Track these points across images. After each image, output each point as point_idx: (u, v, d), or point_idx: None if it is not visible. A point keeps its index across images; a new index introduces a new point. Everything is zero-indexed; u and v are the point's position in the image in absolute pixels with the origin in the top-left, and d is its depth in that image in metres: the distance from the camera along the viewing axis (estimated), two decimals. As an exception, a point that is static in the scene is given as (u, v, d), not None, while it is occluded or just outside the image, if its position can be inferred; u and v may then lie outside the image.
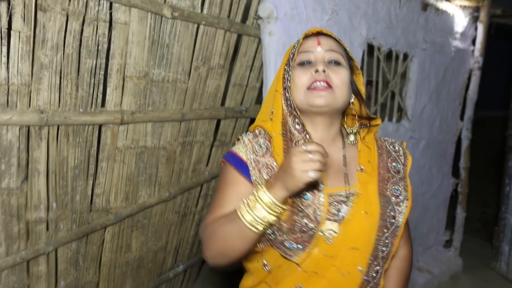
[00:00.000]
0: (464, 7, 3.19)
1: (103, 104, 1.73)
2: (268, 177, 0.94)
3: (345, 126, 1.10)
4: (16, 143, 1.51)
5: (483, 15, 3.22)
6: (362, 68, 2.51)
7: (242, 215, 0.85)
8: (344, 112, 1.08)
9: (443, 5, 3.00)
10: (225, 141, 2.35)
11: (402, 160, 1.05)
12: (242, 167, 0.98)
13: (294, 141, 0.98)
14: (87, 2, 1.51)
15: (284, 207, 0.86)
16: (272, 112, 1.03)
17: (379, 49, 2.61)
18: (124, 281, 2.21)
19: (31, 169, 1.59)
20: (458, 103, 3.47)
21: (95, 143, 1.76)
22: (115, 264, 2.10)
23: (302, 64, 1.00)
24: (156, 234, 2.26)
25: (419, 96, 3.01)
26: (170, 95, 1.94)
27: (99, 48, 1.61)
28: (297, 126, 1.00)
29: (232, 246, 0.89)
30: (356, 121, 1.08)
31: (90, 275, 2.00)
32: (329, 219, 0.93)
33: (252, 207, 0.85)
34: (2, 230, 1.57)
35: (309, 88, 0.96)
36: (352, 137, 1.07)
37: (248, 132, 1.07)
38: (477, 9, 3.25)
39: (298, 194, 0.93)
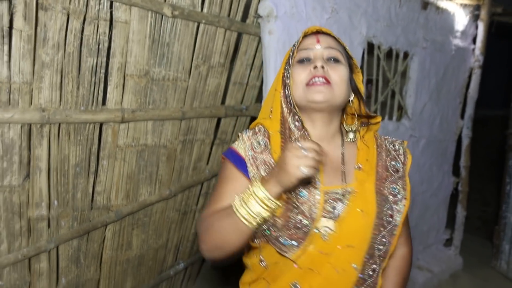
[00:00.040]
0: (464, 6, 3.19)
1: (104, 102, 1.74)
2: (266, 173, 0.95)
3: (345, 124, 1.11)
4: (18, 141, 1.52)
5: (483, 13, 3.22)
6: (362, 66, 2.52)
7: (237, 209, 0.87)
8: (344, 110, 1.09)
9: (443, 4, 3.00)
10: (225, 140, 2.36)
11: (402, 159, 1.05)
12: (241, 164, 0.99)
13: (293, 139, 0.99)
14: (87, 1, 1.52)
15: (278, 202, 0.87)
16: (271, 111, 1.05)
17: (379, 47, 2.61)
18: (125, 279, 2.23)
19: (33, 167, 1.60)
20: (458, 102, 3.47)
21: (96, 141, 1.77)
22: (115, 261, 2.12)
23: (301, 61, 1.01)
24: (156, 232, 2.27)
25: (419, 94, 3.01)
26: (171, 94, 1.95)
27: (100, 46, 1.62)
28: (296, 123, 1.01)
29: (227, 240, 0.90)
30: (356, 120, 1.08)
31: (91, 273, 2.01)
32: (324, 217, 0.94)
33: (247, 201, 0.86)
34: (4, 228, 1.58)
35: (307, 84, 0.97)
36: (351, 135, 1.07)
37: (248, 129, 1.08)
38: (477, 8, 3.24)
39: (294, 191, 0.94)
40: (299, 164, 0.81)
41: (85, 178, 1.79)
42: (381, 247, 0.98)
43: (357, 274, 0.96)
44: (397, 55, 2.80)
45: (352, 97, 1.05)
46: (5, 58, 1.40)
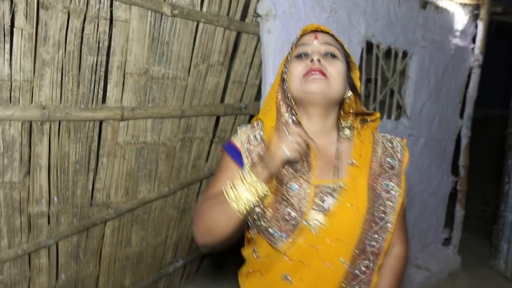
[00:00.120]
0: (464, 5, 3.19)
1: (103, 100, 1.76)
2: None
3: (342, 120, 1.12)
4: (19, 138, 1.54)
5: (483, 13, 3.22)
6: (361, 65, 2.53)
7: (226, 193, 0.90)
8: (341, 108, 1.10)
9: (443, 3, 3.01)
10: (224, 138, 2.38)
11: (399, 156, 1.06)
12: (237, 155, 1.02)
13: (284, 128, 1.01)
14: (88, 0, 1.54)
15: (265, 187, 0.90)
16: (269, 108, 1.07)
17: (378, 47, 2.62)
18: (124, 275, 2.25)
19: (33, 163, 1.62)
20: (457, 101, 3.48)
21: (95, 138, 1.79)
22: (115, 258, 2.14)
23: (299, 56, 1.03)
24: (155, 229, 2.29)
25: (418, 94, 3.02)
26: (170, 92, 1.96)
27: (100, 45, 1.64)
28: (293, 118, 1.03)
29: (217, 225, 0.93)
30: (351, 116, 1.10)
31: (90, 269, 2.04)
32: (314, 209, 0.96)
33: (236, 185, 0.90)
34: (4, 223, 1.60)
35: (304, 76, 0.99)
36: (346, 131, 1.08)
37: (247, 124, 1.11)
38: (477, 7, 3.25)
39: (284, 184, 0.96)
40: (282, 147, 0.86)
41: (85, 175, 1.82)
42: (373, 243, 0.98)
43: (345, 268, 0.97)
44: (396, 54, 2.81)
45: (349, 93, 1.06)
46: (6, 56, 1.42)
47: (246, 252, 1.10)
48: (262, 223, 0.97)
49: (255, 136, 1.05)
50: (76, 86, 1.63)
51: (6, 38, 1.40)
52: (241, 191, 0.89)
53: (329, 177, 1.00)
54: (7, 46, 1.42)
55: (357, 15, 2.38)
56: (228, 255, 3.31)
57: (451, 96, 3.38)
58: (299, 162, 0.99)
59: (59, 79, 1.57)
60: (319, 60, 0.99)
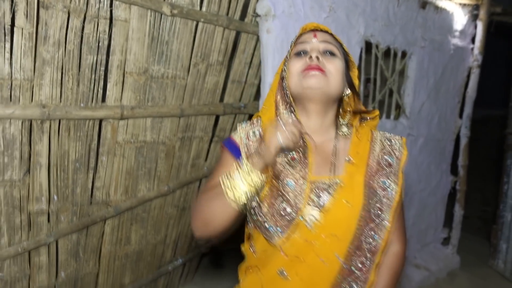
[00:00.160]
0: (463, 5, 3.20)
1: (103, 99, 1.77)
2: None
3: (340, 118, 1.13)
4: (19, 137, 1.55)
5: (482, 13, 3.23)
6: (360, 65, 2.53)
7: (222, 183, 0.92)
8: (340, 106, 1.11)
9: (442, 3, 3.01)
10: (224, 137, 2.39)
11: (397, 154, 1.06)
12: (236, 151, 1.04)
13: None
14: (87, -1, 1.56)
15: (257, 175, 0.91)
16: (268, 107, 1.09)
17: (377, 46, 2.63)
18: (123, 273, 2.26)
19: (33, 162, 1.63)
20: (457, 101, 3.48)
21: (95, 137, 1.80)
22: (114, 256, 2.15)
23: (298, 54, 1.04)
24: (155, 227, 2.31)
25: (417, 93, 3.03)
26: (170, 91, 1.97)
27: (100, 44, 1.65)
28: (291, 115, 1.04)
29: (214, 216, 0.94)
30: (348, 114, 1.11)
31: (90, 267, 2.05)
32: (310, 205, 0.97)
33: (232, 175, 0.92)
34: (4, 221, 1.61)
35: (303, 72, 1.00)
36: (344, 129, 1.09)
37: (247, 121, 1.14)
38: (476, 7, 3.25)
39: (280, 180, 0.97)
40: (276, 135, 0.89)
41: (85, 174, 1.83)
42: (369, 240, 0.99)
43: (340, 263, 0.98)
44: (395, 54, 2.82)
45: (348, 92, 1.07)
46: (7, 55, 1.44)
47: (244, 247, 1.12)
48: (258, 217, 0.99)
49: (254, 132, 1.07)
50: (76, 85, 1.65)
51: (6, 37, 1.42)
52: (236, 180, 0.91)
53: (325, 174, 1.01)
54: (8, 45, 1.43)
55: (356, 15, 2.39)
56: (227, 254, 3.33)
57: (450, 96, 3.39)
58: (294, 156, 1.00)
59: (59, 78, 1.59)
60: (317, 58, 1.00)
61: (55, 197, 1.74)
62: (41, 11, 1.46)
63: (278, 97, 1.07)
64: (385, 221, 1.00)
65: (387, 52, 2.76)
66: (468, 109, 3.45)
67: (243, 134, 1.07)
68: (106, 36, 1.66)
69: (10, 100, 1.49)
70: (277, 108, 1.07)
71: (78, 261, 1.98)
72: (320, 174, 1.01)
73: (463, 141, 3.49)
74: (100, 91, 1.74)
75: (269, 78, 2.04)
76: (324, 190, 0.99)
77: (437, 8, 2.99)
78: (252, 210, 0.99)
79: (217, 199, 0.93)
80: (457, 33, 3.24)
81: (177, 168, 2.25)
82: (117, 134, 1.86)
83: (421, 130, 3.13)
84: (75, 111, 1.66)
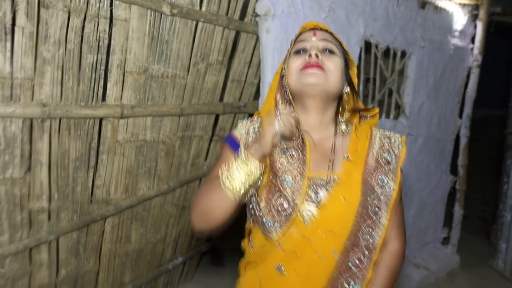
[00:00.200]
0: (463, 5, 3.20)
1: (103, 98, 1.79)
2: None
3: (340, 116, 1.14)
4: (20, 135, 1.57)
5: (482, 13, 3.23)
6: (359, 65, 2.54)
7: (222, 173, 0.94)
8: (340, 104, 1.12)
9: (442, 3, 3.02)
10: (223, 136, 2.40)
11: (396, 152, 1.07)
12: (236, 147, 1.06)
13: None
14: (88, -1, 1.57)
15: (253, 163, 0.92)
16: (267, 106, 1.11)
17: (376, 46, 2.63)
18: (124, 272, 2.27)
19: (34, 160, 1.65)
20: (457, 101, 3.48)
21: (95, 136, 1.82)
22: (114, 254, 2.16)
23: (297, 52, 1.06)
24: (155, 226, 2.32)
25: (417, 93, 3.03)
26: (169, 90, 1.99)
27: (100, 44, 1.66)
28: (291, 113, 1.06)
29: (213, 208, 0.96)
30: (347, 111, 1.12)
31: (90, 265, 2.06)
32: (307, 201, 0.98)
33: (230, 165, 0.94)
34: (5, 219, 1.63)
35: (302, 69, 1.02)
36: (343, 126, 1.10)
37: (248, 118, 1.16)
38: (476, 7, 3.25)
39: (278, 176, 0.99)
40: (272, 123, 0.92)
41: (85, 172, 1.84)
42: (367, 236, 1.00)
43: (336, 259, 0.99)
44: (395, 54, 2.82)
45: (347, 90, 1.09)
46: (8, 54, 1.45)
47: (244, 243, 1.14)
48: (256, 213, 1.01)
49: (254, 129, 1.09)
50: (76, 84, 1.66)
51: (7, 36, 1.43)
52: (233, 169, 0.93)
53: (323, 170, 1.03)
54: (9, 44, 1.44)
55: (356, 15, 2.40)
56: (227, 252, 3.34)
57: (450, 96, 3.39)
58: (293, 153, 1.02)
59: (60, 77, 1.60)
60: (317, 55, 1.01)
61: (56, 195, 1.76)
62: (42, 10, 1.47)
63: (278, 95, 1.09)
64: (383, 219, 1.01)
65: (386, 52, 2.77)
66: (467, 109, 3.46)
67: (243, 130, 1.10)
68: (106, 36, 1.67)
69: (11, 99, 1.51)
70: (276, 106, 1.09)
71: (79, 259, 1.99)
72: (318, 170, 1.02)
73: (463, 141, 3.50)
74: (100, 90, 1.75)
75: (268, 78, 2.05)
76: (322, 187, 1.00)
77: (436, 8, 3.00)
78: (250, 206, 1.01)
79: (216, 191, 0.95)
80: (456, 33, 3.24)
81: (177, 167, 2.26)
82: (117, 133, 1.88)
83: (420, 130, 3.13)
84: (76, 110, 1.67)
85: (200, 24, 1.93)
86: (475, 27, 3.32)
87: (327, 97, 1.05)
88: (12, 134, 1.55)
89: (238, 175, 0.92)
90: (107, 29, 1.66)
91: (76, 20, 1.56)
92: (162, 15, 1.79)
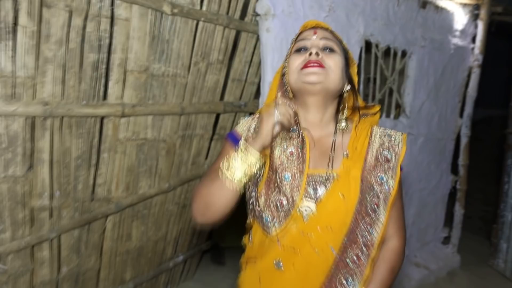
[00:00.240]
0: (464, 5, 3.20)
1: (105, 97, 1.80)
2: None
3: (340, 114, 1.15)
4: (22, 133, 1.58)
5: (483, 12, 3.24)
6: (359, 65, 2.55)
7: (223, 165, 0.97)
8: (341, 102, 1.13)
9: (442, 3, 3.02)
10: (224, 135, 2.41)
11: (396, 150, 1.07)
12: (238, 142, 1.07)
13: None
14: (89, -2, 1.58)
15: (253, 153, 0.95)
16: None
17: (377, 46, 2.64)
18: (125, 269, 2.29)
19: (36, 158, 1.66)
20: (457, 101, 3.49)
21: (97, 134, 1.83)
22: (116, 252, 2.18)
23: (298, 50, 1.07)
24: (156, 224, 2.33)
25: (417, 93, 3.04)
26: (170, 89, 2.00)
27: (101, 43, 1.68)
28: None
29: (214, 199, 0.98)
30: (346, 109, 1.13)
31: (91, 262, 2.08)
32: (306, 198, 1.00)
33: (231, 157, 0.97)
34: (7, 216, 1.64)
35: (302, 68, 1.03)
36: (343, 123, 1.11)
37: (250, 115, 1.20)
38: (477, 7, 3.26)
39: (278, 173, 1.01)
40: (272, 114, 0.95)
41: (86, 170, 1.85)
42: (365, 233, 1.01)
43: (334, 256, 1.00)
44: (395, 54, 2.83)
45: (347, 88, 1.10)
46: (10, 53, 1.46)
47: (245, 239, 1.16)
48: (256, 208, 1.03)
49: (255, 126, 1.11)
50: (78, 83, 1.67)
51: (9, 35, 1.44)
52: (233, 160, 0.95)
53: (323, 168, 1.04)
54: (11, 43, 1.45)
55: (356, 15, 2.40)
56: (228, 251, 3.36)
57: (450, 95, 3.39)
58: (293, 151, 1.04)
59: (61, 76, 1.61)
60: (317, 54, 1.03)
61: (57, 193, 1.77)
62: (44, 10, 1.49)
63: (279, 93, 1.10)
64: (381, 216, 1.02)
65: (387, 52, 2.77)
66: (468, 109, 3.46)
67: (245, 127, 1.12)
68: (108, 35, 1.68)
69: (13, 97, 1.52)
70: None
71: (80, 257, 2.00)
72: (318, 168, 1.04)
73: (464, 141, 3.50)
74: (102, 89, 1.76)
75: (268, 77, 2.06)
76: (321, 184, 1.02)
77: (437, 7, 3.01)
78: (250, 202, 1.03)
79: (216, 182, 0.97)
80: (457, 33, 3.24)
81: (178, 166, 2.27)
82: (118, 132, 1.89)
83: (421, 129, 3.14)
84: (77, 108, 1.69)
85: (200, 23, 1.94)
86: (476, 26, 3.33)
87: (328, 95, 1.06)
88: (14, 133, 1.56)
89: (238, 165, 0.94)
90: (108, 29, 1.68)
91: (77, 19, 1.58)
92: (163, 15, 1.81)
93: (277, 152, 1.05)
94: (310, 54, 1.03)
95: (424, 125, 3.17)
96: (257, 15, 2.06)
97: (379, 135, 1.10)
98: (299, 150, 1.03)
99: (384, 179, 1.03)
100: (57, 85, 1.61)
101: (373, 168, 1.04)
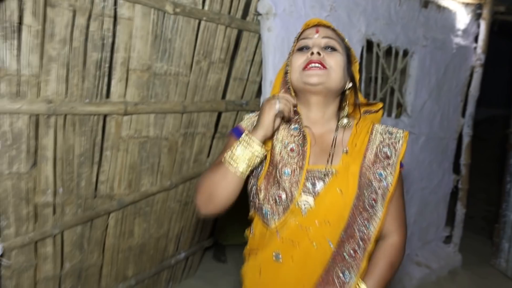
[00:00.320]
0: (466, 4, 3.20)
1: (107, 95, 1.82)
2: None
3: (342, 111, 1.16)
4: (26, 131, 1.61)
5: (486, 12, 3.23)
6: (361, 64, 2.56)
7: (226, 154, 1.00)
8: (343, 98, 1.14)
9: (444, 2, 3.02)
10: (226, 133, 2.43)
11: (396, 147, 1.08)
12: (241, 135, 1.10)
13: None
14: (93, -2, 1.60)
15: (255, 142, 0.98)
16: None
17: (378, 45, 2.65)
18: (127, 266, 2.31)
19: (40, 155, 1.69)
20: (459, 100, 3.49)
21: (100, 132, 1.85)
22: (118, 249, 2.20)
23: (300, 49, 1.09)
24: (158, 221, 2.35)
25: (419, 92, 3.04)
26: (172, 88, 2.02)
27: (104, 42, 1.70)
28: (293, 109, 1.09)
29: (217, 189, 1.00)
30: (351, 107, 1.15)
31: (94, 259, 2.10)
32: (304, 192, 1.02)
33: (234, 146, 1.00)
34: (12, 212, 1.67)
35: (304, 68, 1.05)
36: (344, 120, 1.12)
37: (253, 112, 1.22)
38: (479, 6, 3.25)
39: (278, 168, 1.03)
40: (273, 104, 0.98)
41: (89, 167, 1.88)
42: (362, 228, 1.03)
43: (332, 249, 1.02)
44: (397, 53, 2.83)
45: (350, 85, 1.11)
46: (15, 52, 1.49)
47: (247, 231, 1.18)
48: (257, 201, 1.05)
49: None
50: (81, 81, 1.69)
51: (14, 34, 1.47)
52: (237, 149, 0.98)
53: (322, 163, 1.06)
54: (16, 42, 1.48)
55: (357, 14, 2.41)
56: (230, 248, 3.38)
57: (452, 95, 3.39)
58: (294, 147, 1.06)
59: (65, 74, 1.63)
60: (319, 53, 1.04)
61: (61, 189, 1.80)
62: (48, 9, 1.51)
63: (282, 91, 1.12)
64: (379, 212, 1.04)
65: (388, 51, 2.78)
66: (470, 108, 3.46)
67: (249, 122, 1.15)
68: (111, 34, 1.70)
69: (18, 96, 1.55)
70: None
71: (83, 253, 2.03)
72: (317, 163, 1.06)
73: (466, 140, 3.50)
74: (105, 88, 1.79)
75: (270, 76, 2.07)
76: (320, 179, 1.03)
77: (439, 7, 3.01)
78: (251, 195, 1.07)
79: (220, 172, 1.00)
80: (459, 32, 3.24)
81: (180, 164, 2.29)
82: (121, 130, 1.91)
83: (422, 129, 3.14)
84: (80, 106, 1.71)
85: (202, 23, 1.96)
86: (478, 26, 3.32)
87: (329, 94, 1.08)
88: (18, 130, 1.59)
89: (241, 154, 0.97)
90: (111, 28, 1.70)
91: (81, 18, 1.60)
92: (165, 14, 1.82)
93: (278, 148, 1.07)
94: (312, 53, 1.04)
95: (425, 124, 3.17)
96: (259, 14, 2.07)
97: (380, 132, 1.11)
98: (300, 147, 1.05)
99: (383, 176, 1.05)
100: (60, 83, 1.64)
101: (372, 164, 1.06)
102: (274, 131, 1.04)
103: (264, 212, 1.04)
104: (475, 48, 3.40)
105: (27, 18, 1.47)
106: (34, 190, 1.72)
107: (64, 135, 1.73)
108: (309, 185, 1.03)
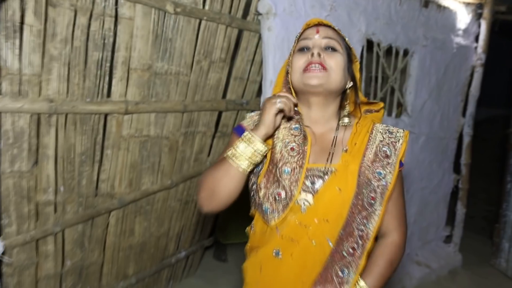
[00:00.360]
0: (467, 4, 3.20)
1: (108, 94, 1.83)
2: None
3: (343, 110, 1.17)
4: (27, 130, 1.62)
5: (486, 11, 3.23)
6: (361, 63, 2.57)
7: (229, 151, 1.02)
8: (344, 98, 1.15)
9: (445, 2, 3.02)
10: (226, 132, 2.44)
11: (396, 146, 1.08)
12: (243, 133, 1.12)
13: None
14: (94, -2, 1.61)
15: (257, 138, 1.00)
16: None
17: (378, 45, 2.65)
18: (127, 264, 2.32)
19: (41, 154, 1.70)
20: (460, 100, 3.49)
21: (101, 131, 1.86)
22: (119, 247, 2.21)
23: (301, 49, 1.10)
24: (158, 220, 2.37)
25: (419, 92, 3.05)
26: (173, 87, 2.03)
27: (105, 41, 1.71)
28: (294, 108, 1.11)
29: (219, 185, 1.02)
30: (348, 105, 1.16)
31: (94, 257, 2.11)
32: (304, 190, 1.03)
33: (237, 144, 1.02)
34: (13, 210, 1.68)
35: (304, 69, 1.06)
36: (346, 120, 1.13)
37: (255, 111, 1.24)
38: (480, 6, 3.25)
39: (279, 167, 1.04)
40: (274, 103, 1.00)
41: (90, 166, 1.89)
42: (361, 227, 1.04)
43: (330, 247, 1.03)
44: (397, 53, 2.84)
45: (350, 84, 1.12)
46: (16, 51, 1.50)
47: (248, 228, 1.19)
48: (257, 199, 1.07)
49: (259, 118, 1.13)
50: (82, 81, 1.71)
51: (16, 34, 1.48)
52: (239, 147, 1.00)
53: (322, 162, 1.07)
54: (17, 41, 1.49)
55: (357, 14, 2.42)
56: (230, 247, 3.39)
57: (452, 94, 3.40)
58: (294, 146, 1.07)
59: (66, 73, 1.64)
60: (319, 54, 1.05)
61: (62, 188, 1.81)
62: (49, 9, 1.52)
63: (284, 90, 1.13)
64: (378, 211, 1.04)
65: (389, 51, 2.78)
66: (471, 108, 3.46)
67: (251, 121, 1.17)
68: (112, 34, 1.71)
69: (20, 95, 1.56)
70: None
71: (84, 251, 2.04)
72: (317, 162, 1.07)
73: (466, 140, 3.50)
74: (106, 87, 1.80)
75: (270, 75, 2.08)
76: (319, 177, 1.05)
77: (439, 6, 3.01)
78: (252, 193, 1.08)
79: (223, 169, 1.01)
80: (460, 32, 3.25)
81: (180, 163, 2.30)
82: (121, 129, 1.92)
83: (422, 128, 3.15)
84: (81, 105, 1.72)
85: (203, 22, 1.97)
86: (479, 25, 3.33)
87: (329, 94, 1.09)
88: (20, 129, 1.60)
89: (243, 151, 0.99)
90: (112, 27, 1.71)
91: (82, 18, 1.61)
92: (166, 14, 1.83)
93: (278, 147, 1.07)
94: (312, 54, 1.05)
95: (426, 124, 3.18)
96: (259, 14, 2.08)
97: (380, 131, 1.12)
98: (300, 146, 1.06)
99: (382, 174, 1.05)
100: (62, 82, 1.65)
101: (371, 163, 1.06)
102: (275, 129, 1.06)
103: (264, 209, 1.06)
104: (475, 48, 3.40)
105: (29, 18, 1.48)
106: (36, 188, 1.73)
107: (65, 134, 1.74)
108: (308, 183, 1.04)
